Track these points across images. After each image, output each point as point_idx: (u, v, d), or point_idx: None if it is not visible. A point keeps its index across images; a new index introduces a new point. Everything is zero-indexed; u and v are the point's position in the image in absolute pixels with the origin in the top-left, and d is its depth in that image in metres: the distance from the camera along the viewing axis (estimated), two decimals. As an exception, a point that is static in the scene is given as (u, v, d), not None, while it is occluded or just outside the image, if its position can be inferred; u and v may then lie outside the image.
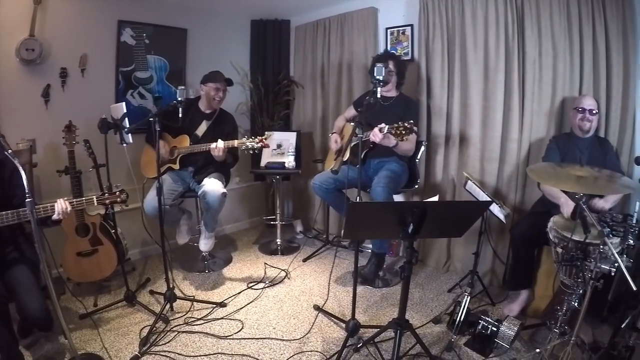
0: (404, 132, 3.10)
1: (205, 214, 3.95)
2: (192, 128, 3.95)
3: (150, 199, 3.63)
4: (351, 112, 4.31)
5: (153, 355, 2.89)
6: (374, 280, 3.98)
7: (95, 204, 2.71)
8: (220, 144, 3.63)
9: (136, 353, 2.87)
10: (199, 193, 3.82)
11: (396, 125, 3.13)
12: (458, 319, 3.09)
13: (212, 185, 3.75)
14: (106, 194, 2.74)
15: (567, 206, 2.87)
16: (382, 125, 3.36)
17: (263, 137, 3.61)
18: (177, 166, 3.91)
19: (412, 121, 3.14)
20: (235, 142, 3.66)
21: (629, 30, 3.23)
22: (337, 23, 4.94)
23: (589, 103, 3.19)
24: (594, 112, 3.17)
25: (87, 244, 3.44)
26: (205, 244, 4.10)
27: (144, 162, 4.07)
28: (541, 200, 3.39)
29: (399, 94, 3.97)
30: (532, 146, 3.75)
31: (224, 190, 3.80)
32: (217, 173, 4.00)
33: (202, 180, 3.87)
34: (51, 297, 2.42)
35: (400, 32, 4.53)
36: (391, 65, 3.86)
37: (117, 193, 2.74)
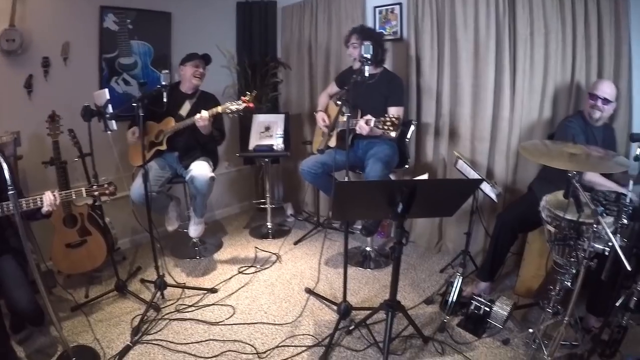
0: (391, 127, 3.03)
1: (194, 199, 3.92)
2: (176, 109, 3.88)
3: (137, 187, 3.59)
4: (334, 88, 4.26)
5: (145, 344, 2.89)
6: (376, 232, 4.00)
7: (85, 195, 2.67)
8: (204, 113, 3.55)
9: (128, 343, 2.86)
10: (186, 178, 3.79)
11: (383, 119, 3.06)
12: (450, 299, 3.09)
13: (199, 170, 3.71)
14: (94, 186, 2.70)
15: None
16: (369, 117, 3.31)
17: (246, 98, 3.52)
18: (164, 146, 3.85)
19: (399, 116, 3.07)
20: (219, 108, 3.57)
21: (621, 9, 3.18)
22: (324, 2, 4.85)
23: (604, 90, 3.01)
24: (609, 101, 3.01)
25: (75, 235, 3.41)
26: (195, 230, 4.07)
27: (132, 151, 4.02)
28: (538, 180, 3.35)
29: (382, 71, 3.88)
30: (524, 125, 3.72)
31: (212, 174, 3.76)
32: (204, 157, 3.96)
33: (189, 165, 3.82)
34: (40, 291, 2.39)
35: (389, 10, 4.45)
36: (353, 39, 3.75)
37: (106, 185, 2.71)
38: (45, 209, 2.57)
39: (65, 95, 3.80)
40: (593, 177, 2.94)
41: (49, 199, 2.55)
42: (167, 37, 4.64)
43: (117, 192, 2.79)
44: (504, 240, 3.25)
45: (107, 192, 2.72)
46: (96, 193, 2.70)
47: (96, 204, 3.51)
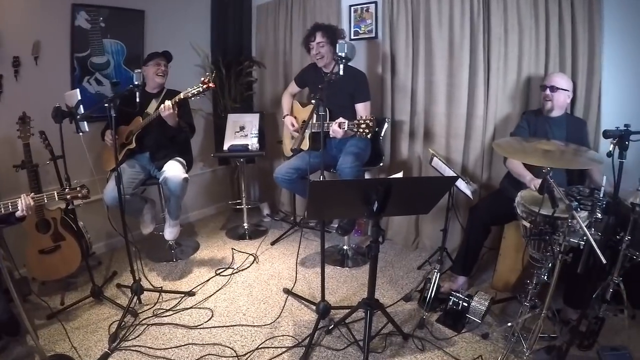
0: (366, 130, 3.03)
1: (168, 201, 3.89)
2: (143, 109, 3.81)
3: (110, 189, 3.53)
4: (294, 88, 4.25)
5: (123, 350, 2.83)
6: (352, 231, 4.01)
7: (57, 199, 2.63)
8: (167, 102, 3.50)
9: (106, 350, 2.80)
10: (160, 180, 3.76)
11: (357, 122, 3.06)
12: (429, 296, 3.11)
13: (172, 171, 3.68)
14: (67, 189, 2.65)
15: (535, 181, 2.87)
16: (342, 120, 3.30)
17: (205, 79, 3.46)
18: (133, 145, 3.78)
19: (374, 118, 3.07)
20: (181, 94, 3.52)
21: (594, 7, 3.24)
22: (299, 1, 4.84)
23: (551, 79, 3.15)
24: (557, 88, 3.12)
25: (49, 241, 3.33)
26: (170, 233, 4.03)
27: (105, 156, 3.96)
28: (508, 179, 3.39)
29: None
30: (498, 122, 3.77)
31: (186, 175, 3.73)
32: (177, 157, 3.91)
33: (162, 167, 3.78)
34: (14, 299, 2.34)
35: (364, 9, 4.47)
36: (319, 37, 3.73)
37: (78, 188, 2.66)
38: (20, 213, 2.52)
39: (37, 95, 3.71)
40: (512, 166, 3.16)
41: (25, 203, 2.50)
42: (140, 36, 4.55)
43: (90, 195, 2.74)
44: (477, 234, 3.30)
45: (79, 195, 2.67)
46: (68, 196, 2.66)
47: (69, 207, 3.45)
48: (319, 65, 3.86)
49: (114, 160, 3.17)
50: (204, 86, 3.43)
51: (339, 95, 3.65)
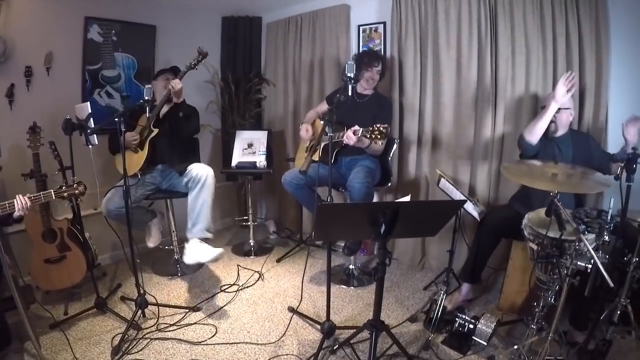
0: (379, 136, 3.03)
1: (195, 202, 3.89)
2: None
3: (107, 199, 3.53)
4: (324, 107, 4.23)
5: (125, 364, 2.81)
6: (358, 250, 4.00)
7: (54, 197, 2.59)
8: (175, 79, 3.61)
9: (108, 362, 2.79)
10: (187, 181, 3.79)
11: (371, 128, 3.06)
12: (434, 317, 3.08)
13: (199, 167, 3.81)
14: (63, 187, 2.63)
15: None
16: (357, 127, 3.30)
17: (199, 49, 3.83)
18: (155, 131, 3.75)
19: (387, 125, 3.08)
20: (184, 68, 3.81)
21: (602, 29, 3.25)
22: (309, 20, 4.89)
23: None
24: (559, 109, 3.02)
25: (54, 250, 3.33)
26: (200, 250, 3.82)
27: (128, 162, 3.92)
28: (516, 199, 3.38)
29: (373, 92, 3.93)
30: (505, 143, 3.76)
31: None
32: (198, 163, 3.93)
33: (183, 170, 3.81)
34: (18, 307, 2.33)
35: (373, 29, 4.51)
36: (380, 67, 3.81)
37: (75, 185, 2.65)
38: (16, 213, 2.51)
39: (47, 106, 3.77)
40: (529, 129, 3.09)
41: (20, 203, 2.49)
42: (151, 50, 4.62)
43: (86, 191, 2.73)
44: (487, 241, 3.27)
45: (76, 191, 2.65)
46: (65, 194, 2.63)
47: (73, 205, 3.44)
48: (361, 87, 3.91)
49: (133, 165, 3.32)
50: (200, 56, 3.77)
51: (363, 117, 3.67)
